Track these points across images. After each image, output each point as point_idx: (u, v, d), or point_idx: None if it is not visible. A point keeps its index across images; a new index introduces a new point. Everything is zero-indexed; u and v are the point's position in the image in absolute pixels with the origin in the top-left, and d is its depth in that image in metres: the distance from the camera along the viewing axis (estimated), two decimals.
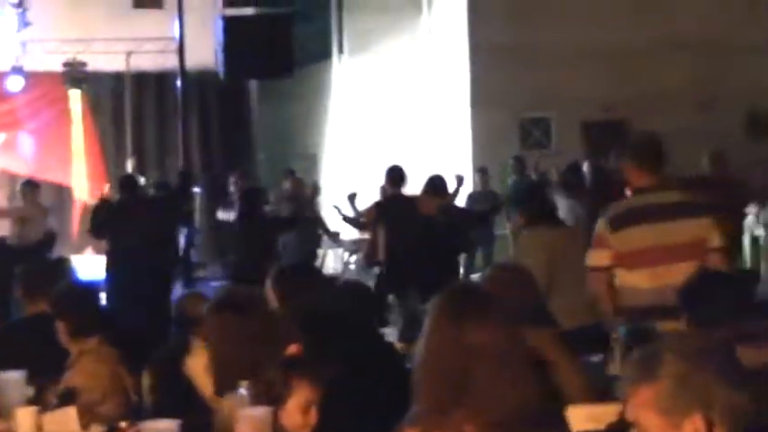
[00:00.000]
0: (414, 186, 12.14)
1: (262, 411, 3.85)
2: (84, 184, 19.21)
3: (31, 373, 4.83)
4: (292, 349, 4.29)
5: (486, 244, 15.73)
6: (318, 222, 15.61)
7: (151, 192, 14.67)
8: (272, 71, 17.23)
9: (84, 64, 18.59)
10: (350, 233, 16.26)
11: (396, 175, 11.81)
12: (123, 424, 4.42)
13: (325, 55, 20.47)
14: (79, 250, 17.02)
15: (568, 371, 5.02)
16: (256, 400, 3.93)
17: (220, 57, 16.58)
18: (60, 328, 5.49)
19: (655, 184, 6.53)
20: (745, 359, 3.05)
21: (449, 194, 12.23)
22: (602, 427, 4.66)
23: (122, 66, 19.36)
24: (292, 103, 21.11)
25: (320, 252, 16.59)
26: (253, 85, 20.64)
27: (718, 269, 6.08)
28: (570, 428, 4.16)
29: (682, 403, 2.67)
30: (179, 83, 18.00)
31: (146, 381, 5.37)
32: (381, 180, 13.00)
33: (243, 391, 3.98)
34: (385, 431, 3.63)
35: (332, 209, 14.19)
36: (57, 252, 13.38)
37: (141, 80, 20.07)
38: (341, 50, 20.16)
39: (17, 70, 18.41)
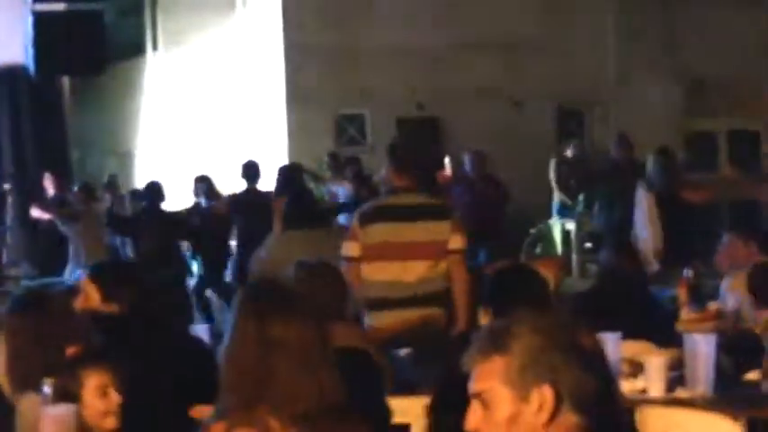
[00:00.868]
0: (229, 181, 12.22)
1: (64, 408, 3.85)
2: None
3: None
4: (71, 351, 4.27)
5: None
6: None
7: None
8: (83, 67, 16.98)
9: None
10: None
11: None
12: None
13: (139, 51, 20.23)
14: None
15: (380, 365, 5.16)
16: (59, 398, 3.93)
17: (31, 53, 16.29)
18: None
19: (405, 186, 7.17)
20: None
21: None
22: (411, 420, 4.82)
23: None
24: (106, 99, 20.80)
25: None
26: (66, 81, 20.27)
27: (513, 265, 6.40)
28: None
29: (531, 376, 2.66)
30: None
31: None
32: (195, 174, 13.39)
33: (47, 389, 3.95)
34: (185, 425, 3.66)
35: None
36: None
37: None
38: (155, 46, 19.95)
39: None
